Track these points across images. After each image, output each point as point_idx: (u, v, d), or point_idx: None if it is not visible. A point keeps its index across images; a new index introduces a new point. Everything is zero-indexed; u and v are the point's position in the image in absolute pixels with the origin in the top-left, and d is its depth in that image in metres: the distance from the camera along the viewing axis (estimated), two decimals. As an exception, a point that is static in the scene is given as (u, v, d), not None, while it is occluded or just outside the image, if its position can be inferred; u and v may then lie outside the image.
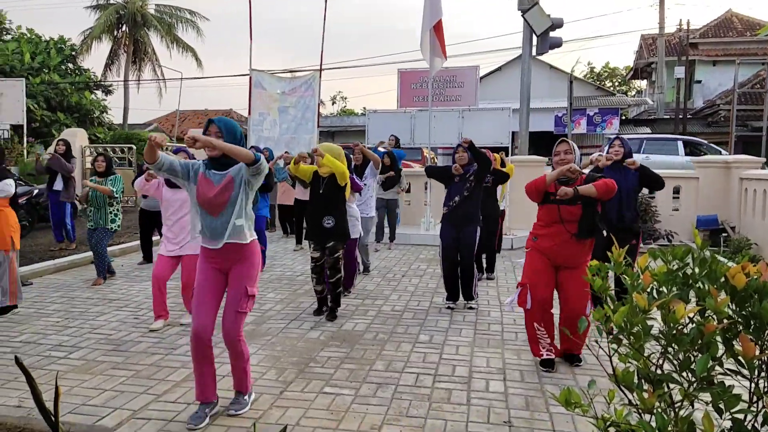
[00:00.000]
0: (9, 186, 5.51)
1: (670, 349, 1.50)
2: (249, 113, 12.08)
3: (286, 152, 10.16)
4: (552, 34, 12.49)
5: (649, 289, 1.57)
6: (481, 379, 4.06)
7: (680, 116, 23.46)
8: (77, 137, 14.75)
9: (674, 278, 1.54)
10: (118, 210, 7.09)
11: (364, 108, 44.18)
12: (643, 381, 1.53)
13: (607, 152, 5.47)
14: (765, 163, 11.64)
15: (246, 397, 3.58)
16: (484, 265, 7.37)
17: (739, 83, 23.63)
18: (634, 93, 39.71)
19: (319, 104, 12.03)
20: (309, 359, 4.42)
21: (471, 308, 5.91)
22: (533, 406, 3.62)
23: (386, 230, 9.75)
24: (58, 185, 9.01)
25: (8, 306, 5.56)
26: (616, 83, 43.95)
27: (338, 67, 43.61)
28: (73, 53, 25.76)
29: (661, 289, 1.57)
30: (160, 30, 30.20)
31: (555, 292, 4.39)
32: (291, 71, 15.93)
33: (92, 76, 26.20)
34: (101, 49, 30.63)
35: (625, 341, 1.58)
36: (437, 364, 4.35)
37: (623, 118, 25.58)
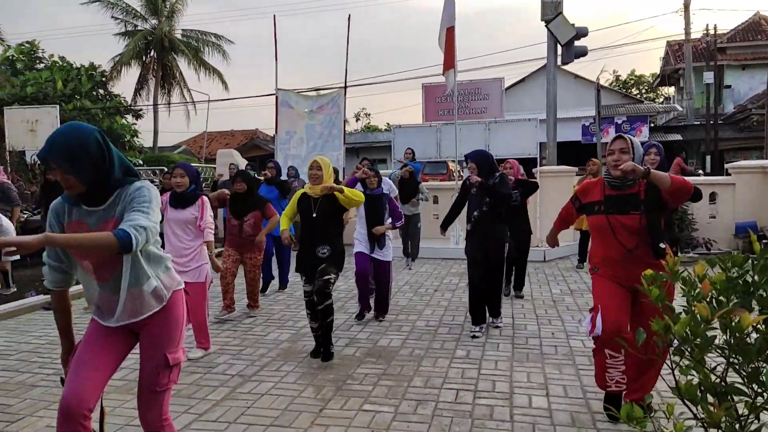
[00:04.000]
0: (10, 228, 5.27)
1: (734, 360, 1.45)
2: (276, 132, 12.23)
3: (290, 167, 10.25)
4: (576, 43, 12.44)
5: (708, 299, 1.52)
6: (523, 394, 3.98)
7: (711, 122, 23.02)
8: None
9: (734, 286, 1.49)
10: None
11: (388, 124, 44.48)
12: (707, 394, 1.47)
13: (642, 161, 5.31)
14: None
15: None
16: (512, 283, 7.04)
17: (770, 86, 23.15)
18: (662, 100, 39.15)
19: (344, 121, 12.12)
20: (346, 376, 4.40)
21: (497, 327, 5.61)
22: (579, 423, 3.53)
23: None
24: None
25: None
26: (643, 91, 43.42)
27: (362, 84, 43.96)
28: (104, 79, 26.48)
29: (720, 297, 1.52)
30: (187, 54, 30.91)
31: None
32: (316, 89, 16.10)
33: (122, 101, 26.90)
34: (131, 74, 31.56)
35: (686, 352, 1.53)
36: (476, 379, 4.29)
37: (652, 125, 25.21)
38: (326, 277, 4.58)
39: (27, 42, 26.05)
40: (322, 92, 13.09)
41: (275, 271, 7.81)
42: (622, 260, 3.37)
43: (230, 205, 6.25)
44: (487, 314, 5.67)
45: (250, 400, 3.96)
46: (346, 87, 12.25)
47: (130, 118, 26.95)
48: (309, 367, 4.64)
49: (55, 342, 5.48)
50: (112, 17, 30.42)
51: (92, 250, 2.14)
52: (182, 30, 31.86)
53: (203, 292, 4.95)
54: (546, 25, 12.22)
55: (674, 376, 1.57)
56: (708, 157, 22.83)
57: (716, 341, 1.48)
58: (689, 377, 1.53)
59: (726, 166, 11.88)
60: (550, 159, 12.57)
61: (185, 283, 4.16)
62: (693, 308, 1.49)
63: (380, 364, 4.67)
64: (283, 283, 7.75)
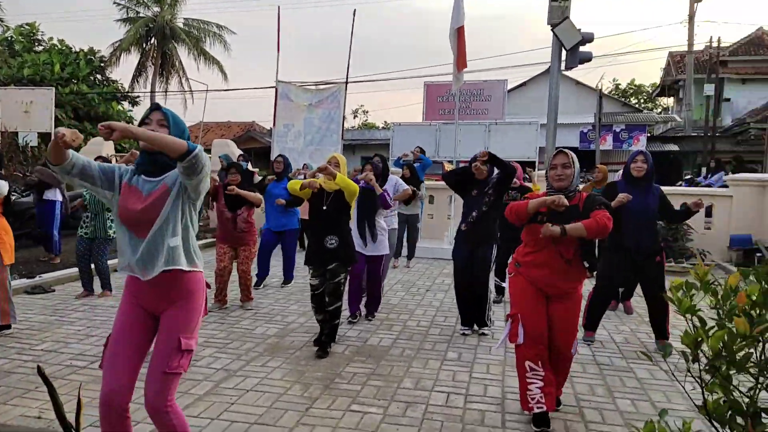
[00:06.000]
0: (3, 186, 5.12)
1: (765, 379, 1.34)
2: (274, 124, 12.09)
3: (305, 165, 10.07)
4: (582, 48, 12.34)
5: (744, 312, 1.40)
6: (516, 400, 3.86)
7: (709, 134, 23.02)
8: (103, 146, 14.90)
9: (770, 299, 1.38)
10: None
11: (386, 122, 44.31)
12: (736, 415, 1.36)
13: (628, 167, 5.07)
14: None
15: None
16: (505, 286, 6.90)
17: (769, 101, 23.16)
18: (660, 110, 39.18)
19: (343, 117, 11.98)
20: (334, 374, 4.28)
21: (484, 334, 5.42)
22: (573, 431, 3.43)
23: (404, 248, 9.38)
24: (50, 195, 8.78)
25: (1, 326, 5.08)
26: (642, 100, 43.44)
27: (362, 81, 43.73)
28: (102, 64, 26.23)
29: (753, 311, 1.40)
30: (187, 43, 30.66)
31: None
32: (316, 83, 15.96)
33: (120, 87, 26.65)
34: (130, 60, 31.21)
35: (699, 367, 1.41)
36: (468, 383, 4.18)
37: (649, 134, 25.19)
38: (338, 279, 4.81)
39: (26, 24, 25.79)
40: (322, 87, 12.94)
41: (274, 267, 7.68)
42: (557, 269, 3.46)
43: (224, 198, 6.12)
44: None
45: (234, 396, 3.83)
46: (347, 82, 12.11)
47: (126, 104, 26.74)
48: (296, 363, 4.51)
49: (34, 328, 5.34)
50: (115, 2, 30.17)
51: (163, 146, 2.36)
52: (184, 19, 31.63)
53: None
54: (552, 29, 12.11)
55: (703, 394, 1.45)
56: (704, 169, 22.82)
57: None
58: (715, 396, 1.41)
59: (725, 178, 11.82)
60: (548, 163, 12.49)
61: None
62: (725, 321, 1.37)
63: (370, 363, 4.55)
64: (288, 278, 7.62)
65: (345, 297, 5.28)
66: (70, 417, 2.57)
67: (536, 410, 3.41)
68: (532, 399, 3.42)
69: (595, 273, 3.74)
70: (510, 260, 3.80)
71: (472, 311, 5.48)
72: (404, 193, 6.28)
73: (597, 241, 3.73)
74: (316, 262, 4.87)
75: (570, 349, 3.61)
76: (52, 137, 2.30)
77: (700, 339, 1.41)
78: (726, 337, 1.34)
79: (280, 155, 7.70)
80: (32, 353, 4.63)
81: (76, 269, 7.81)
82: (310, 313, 6.03)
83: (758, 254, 9.46)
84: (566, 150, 3.63)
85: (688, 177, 19.83)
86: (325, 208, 4.84)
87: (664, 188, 11.26)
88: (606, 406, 3.83)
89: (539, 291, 3.53)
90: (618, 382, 4.28)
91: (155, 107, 2.59)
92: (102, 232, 6.56)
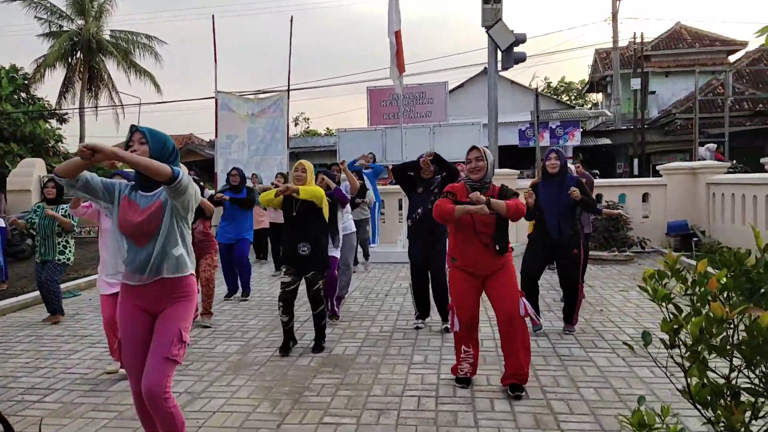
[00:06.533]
0: None
1: (742, 361, 1.40)
2: (216, 136, 11.83)
3: (253, 174, 9.92)
4: (515, 49, 12.70)
5: (715, 297, 1.47)
6: (485, 398, 3.93)
7: (638, 126, 24.10)
8: (35, 167, 14.24)
9: (741, 284, 1.45)
10: (68, 241, 6.49)
11: (327, 128, 44.11)
12: (720, 397, 1.42)
13: (544, 165, 5.46)
14: (729, 168, 11.95)
15: None
16: None
17: (691, 92, 24.45)
18: (590, 106, 40.72)
19: (288, 124, 11.86)
20: (303, 388, 4.22)
21: (447, 330, 5.43)
22: (543, 424, 3.50)
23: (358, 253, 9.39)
24: None
25: None
26: (572, 97, 45.02)
27: (304, 88, 43.42)
28: (26, 82, 25.01)
29: (725, 295, 1.47)
30: (116, 56, 29.57)
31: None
32: (257, 93, 15.73)
33: (46, 105, 25.46)
34: (55, 76, 29.82)
35: (680, 352, 1.47)
36: (437, 385, 4.20)
37: (583, 129, 26.12)
38: (316, 287, 5.05)
39: (-62, 43, 24.27)
40: (263, 96, 12.77)
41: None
42: (480, 253, 3.98)
43: None
44: (440, 318, 5.72)
45: (201, 419, 3.71)
46: (289, 90, 12.01)
47: (54, 122, 25.55)
48: (262, 379, 4.43)
49: (8, 345, 5.02)
50: (36, 17, 28.79)
51: (148, 171, 2.57)
52: (111, 31, 30.50)
53: None
54: (487, 31, 12.41)
55: (686, 379, 1.51)
56: (635, 160, 23.85)
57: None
58: (696, 380, 1.48)
59: (658, 167, 12.40)
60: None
61: None
62: (700, 307, 1.44)
63: (337, 373, 4.51)
64: (246, 291, 7.47)
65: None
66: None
67: (460, 375, 4.20)
68: (461, 370, 4.20)
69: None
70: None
71: (429, 304, 5.79)
72: (353, 184, 6.81)
73: (516, 231, 4.16)
74: (292, 266, 5.01)
75: (519, 312, 3.95)
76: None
77: (677, 326, 1.47)
78: (704, 323, 1.41)
79: (234, 168, 7.69)
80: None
81: (13, 299, 7.42)
82: (270, 327, 5.95)
83: (695, 239, 9.97)
84: (479, 146, 4.16)
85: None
86: (294, 214, 4.96)
87: (602, 180, 11.70)
88: (571, 396, 3.94)
89: (474, 278, 4.05)
90: (580, 372, 4.41)
91: (133, 129, 2.79)
92: (52, 255, 6.38)
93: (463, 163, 4.67)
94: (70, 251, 6.53)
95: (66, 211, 6.23)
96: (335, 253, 5.92)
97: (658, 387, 4.02)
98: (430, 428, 3.49)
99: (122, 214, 2.78)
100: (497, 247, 3.97)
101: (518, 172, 11.89)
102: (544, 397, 3.93)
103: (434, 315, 5.88)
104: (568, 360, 4.69)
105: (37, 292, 7.93)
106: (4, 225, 8.73)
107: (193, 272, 2.91)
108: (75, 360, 5.08)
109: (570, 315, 5.49)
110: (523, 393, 3.93)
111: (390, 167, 12.74)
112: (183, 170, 2.80)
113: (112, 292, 4.57)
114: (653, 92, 28.24)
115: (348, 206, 7.09)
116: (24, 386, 4.43)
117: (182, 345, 2.79)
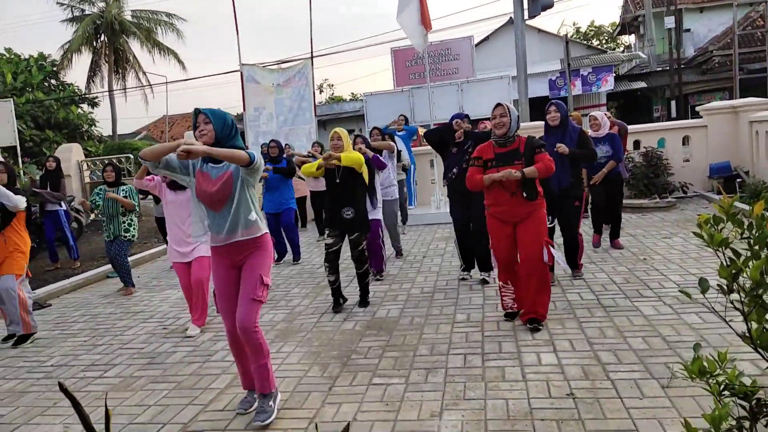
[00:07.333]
0: (21, 201, 5.22)
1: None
2: (244, 109, 11.86)
3: (287, 145, 9.97)
4: (542, -5, 12.29)
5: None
6: (531, 352, 3.94)
7: (674, 67, 23.20)
8: (73, 152, 14.57)
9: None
10: (132, 219, 6.90)
11: (353, 93, 43.79)
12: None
13: (545, 118, 5.52)
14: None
15: (271, 403, 3.31)
16: None
17: (728, 27, 23.34)
18: (622, 49, 39.30)
19: (314, 92, 11.80)
20: (350, 351, 4.31)
21: (485, 281, 5.74)
22: (592, 375, 3.51)
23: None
24: (50, 206, 8.81)
25: (24, 335, 5.28)
26: (604, 41, 43.50)
27: (326, 54, 43.05)
28: (55, 69, 25.37)
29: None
30: (139, 36, 29.76)
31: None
32: (281, 62, 15.66)
33: (76, 90, 25.87)
34: (82, 61, 30.27)
35: (739, 297, 1.44)
36: (482, 342, 4.24)
37: (615, 74, 25.31)
38: (360, 247, 5.34)
39: (-33, 37, 24.77)
40: (287, 65, 12.69)
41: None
42: (509, 201, 4.37)
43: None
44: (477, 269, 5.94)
45: (255, 385, 3.83)
46: (312, 57, 11.91)
47: (85, 107, 25.96)
48: (310, 345, 4.53)
49: (39, 345, 5.27)
50: (58, 3, 29.04)
51: (233, 160, 3.05)
52: (131, 11, 30.61)
53: (209, 266, 4.87)
54: (510, -21, 12.00)
55: (747, 323, 1.48)
56: (673, 102, 23.03)
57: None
58: (756, 324, 1.45)
59: (697, 108, 11.96)
60: (522, 115, 12.51)
61: (198, 257, 5.14)
62: (758, 250, 1.40)
63: (382, 335, 4.59)
64: (296, 256, 7.89)
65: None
66: (98, 428, 2.56)
67: (508, 310, 4.67)
68: (506, 305, 4.68)
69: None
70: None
71: (476, 258, 5.95)
72: (387, 144, 7.08)
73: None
74: (336, 226, 5.28)
75: (540, 258, 4.31)
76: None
77: (736, 271, 1.44)
78: (765, 266, 1.37)
79: (272, 140, 8.06)
80: (43, 370, 4.57)
81: (66, 281, 7.72)
82: (313, 294, 6.06)
83: (738, 180, 9.66)
84: (503, 102, 4.44)
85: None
86: (338, 181, 5.24)
87: (638, 126, 11.36)
88: (619, 346, 3.92)
89: (505, 225, 4.46)
90: (626, 321, 4.38)
91: (197, 111, 3.14)
92: (118, 233, 6.77)
93: (488, 119, 4.86)
94: (134, 228, 6.98)
95: (126, 192, 6.66)
96: (374, 215, 5.99)
97: (708, 333, 3.97)
98: (478, 384, 3.53)
99: (198, 185, 3.21)
100: (524, 194, 4.31)
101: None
102: (591, 348, 3.93)
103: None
104: (613, 311, 4.66)
105: (88, 273, 8.25)
106: (66, 208, 9.08)
107: (267, 231, 3.37)
108: (130, 335, 5.28)
109: (574, 261, 5.65)
110: (541, 326, 4.34)
111: (422, 133, 12.62)
112: (256, 152, 3.20)
113: (183, 261, 5.12)
114: (688, 30, 27.03)
115: (392, 172, 7.14)
116: (85, 363, 4.64)
117: (264, 287, 3.28)
